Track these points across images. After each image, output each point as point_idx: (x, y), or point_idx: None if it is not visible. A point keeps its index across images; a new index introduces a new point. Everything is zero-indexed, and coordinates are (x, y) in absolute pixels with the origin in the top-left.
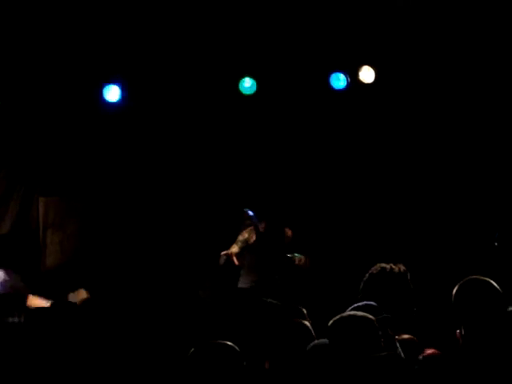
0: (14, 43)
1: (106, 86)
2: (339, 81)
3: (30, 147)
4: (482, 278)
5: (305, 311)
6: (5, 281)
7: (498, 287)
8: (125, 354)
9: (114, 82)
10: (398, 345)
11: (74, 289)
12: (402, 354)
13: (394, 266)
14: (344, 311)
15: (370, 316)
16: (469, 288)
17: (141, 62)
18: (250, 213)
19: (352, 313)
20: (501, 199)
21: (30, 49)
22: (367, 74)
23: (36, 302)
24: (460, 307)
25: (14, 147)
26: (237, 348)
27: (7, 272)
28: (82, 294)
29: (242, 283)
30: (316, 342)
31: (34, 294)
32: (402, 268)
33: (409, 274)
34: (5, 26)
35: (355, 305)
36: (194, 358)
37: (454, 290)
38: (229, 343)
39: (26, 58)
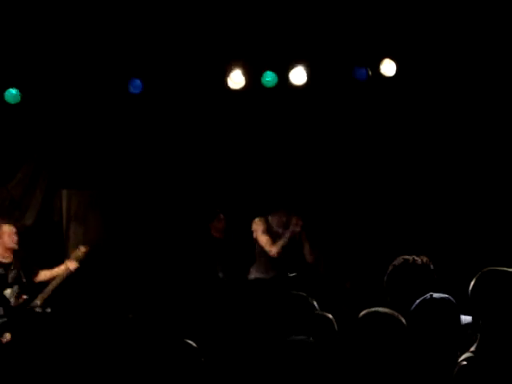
0: (42, 36)
1: (131, 80)
2: (362, 74)
3: (54, 140)
4: (502, 268)
5: (315, 303)
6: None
7: None
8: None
9: (137, 76)
10: None
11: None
12: None
13: (416, 258)
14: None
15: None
16: (487, 279)
17: (160, 57)
18: None
19: (381, 309)
20: None
21: (56, 42)
22: (389, 67)
23: (47, 274)
24: (477, 300)
25: (39, 140)
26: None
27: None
28: (81, 249)
29: (260, 273)
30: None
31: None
32: (425, 259)
33: (432, 265)
34: (32, 18)
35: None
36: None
37: (472, 283)
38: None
39: (52, 51)
